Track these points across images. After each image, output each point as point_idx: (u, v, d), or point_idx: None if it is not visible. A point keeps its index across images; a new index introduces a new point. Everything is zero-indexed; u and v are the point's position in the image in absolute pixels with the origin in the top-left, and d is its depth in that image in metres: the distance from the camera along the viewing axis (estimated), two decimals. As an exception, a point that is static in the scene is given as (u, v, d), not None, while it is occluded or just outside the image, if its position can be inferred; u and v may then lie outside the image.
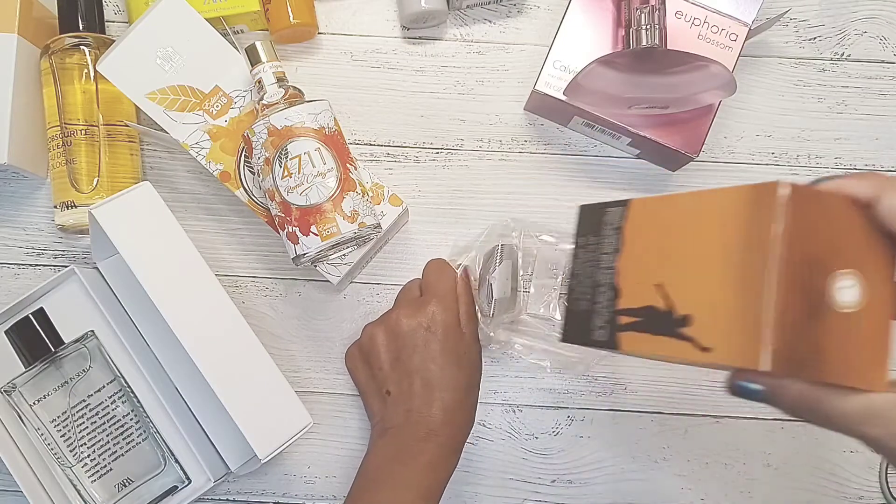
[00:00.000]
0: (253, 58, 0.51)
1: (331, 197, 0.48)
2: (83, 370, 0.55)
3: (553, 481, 0.60)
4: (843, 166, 0.61)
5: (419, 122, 0.61)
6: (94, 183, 0.56)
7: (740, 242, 0.31)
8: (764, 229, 0.29)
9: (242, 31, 0.60)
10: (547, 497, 0.60)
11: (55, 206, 0.57)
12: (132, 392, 0.55)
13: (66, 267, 0.56)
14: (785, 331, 0.28)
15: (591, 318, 0.38)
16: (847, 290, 0.29)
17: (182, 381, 0.56)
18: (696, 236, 0.33)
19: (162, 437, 0.55)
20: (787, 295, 0.29)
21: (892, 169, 0.61)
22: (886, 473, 0.59)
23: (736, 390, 0.33)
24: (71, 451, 0.54)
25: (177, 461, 0.55)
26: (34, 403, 0.54)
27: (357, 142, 0.61)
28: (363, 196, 0.50)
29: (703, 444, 0.60)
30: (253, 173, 0.54)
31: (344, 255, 0.53)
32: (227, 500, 0.59)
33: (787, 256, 0.29)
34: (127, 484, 0.55)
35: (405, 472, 0.50)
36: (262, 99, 0.50)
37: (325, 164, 0.49)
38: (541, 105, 0.59)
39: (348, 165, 0.50)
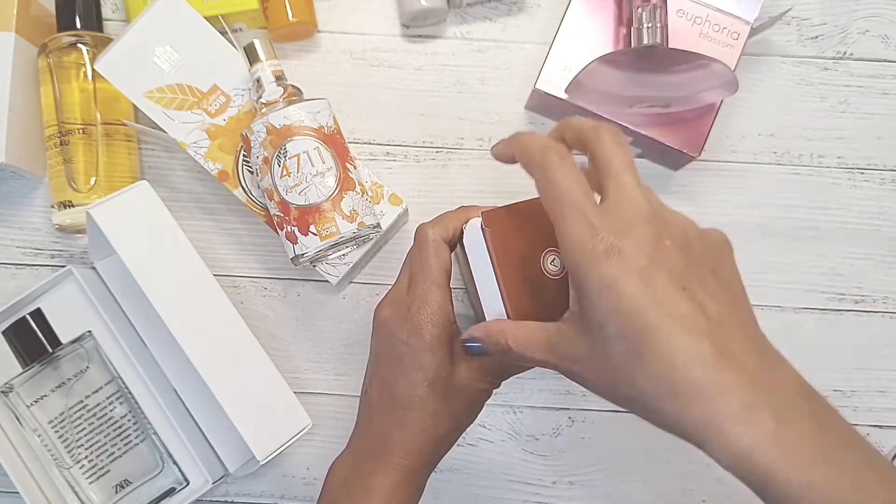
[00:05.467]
0: (251, 56, 0.50)
1: (330, 196, 0.48)
2: (81, 371, 0.55)
3: (554, 483, 0.59)
4: (845, 165, 0.60)
5: (419, 120, 0.61)
6: (92, 182, 0.56)
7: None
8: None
9: (241, 30, 0.60)
10: (548, 498, 0.59)
11: (52, 206, 0.57)
12: (130, 393, 0.55)
13: (64, 267, 0.56)
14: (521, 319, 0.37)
15: None
16: (552, 264, 0.38)
17: (180, 381, 0.56)
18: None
19: (160, 439, 0.55)
20: (514, 293, 0.37)
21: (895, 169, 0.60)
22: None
23: (465, 350, 0.41)
24: (68, 453, 0.54)
25: (175, 462, 0.55)
26: (31, 404, 0.54)
27: (356, 141, 0.60)
28: (362, 195, 0.50)
29: (705, 445, 0.59)
30: (251, 172, 0.53)
31: (343, 255, 0.53)
32: (226, 501, 0.59)
33: (501, 266, 0.37)
34: (125, 485, 0.54)
35: None
36: (260, 97, 0.50)
37: (324, 163, 0.48)
38: (542, 104, 0.59)
39: (347, 164, 0.50)
